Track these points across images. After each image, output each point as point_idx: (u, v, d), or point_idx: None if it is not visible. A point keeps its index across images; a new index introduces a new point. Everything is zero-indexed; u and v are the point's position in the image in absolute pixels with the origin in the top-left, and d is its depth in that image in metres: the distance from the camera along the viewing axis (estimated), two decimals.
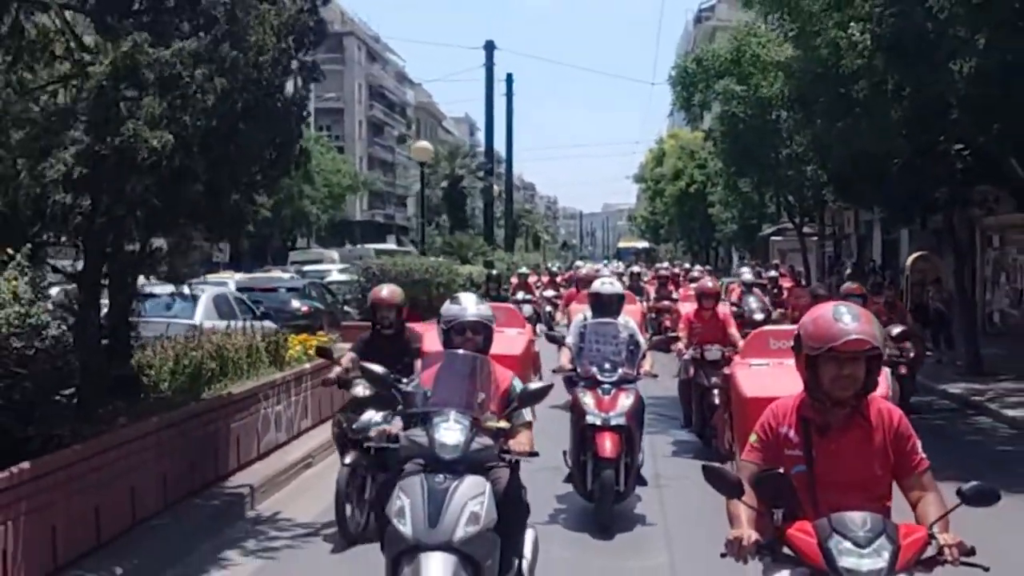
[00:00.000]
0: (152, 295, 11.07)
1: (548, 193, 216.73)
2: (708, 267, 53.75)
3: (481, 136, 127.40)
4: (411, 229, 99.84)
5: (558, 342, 11.92)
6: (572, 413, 10.78)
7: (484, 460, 6.47)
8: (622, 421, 10.41)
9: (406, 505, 6.10)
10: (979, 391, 19.07)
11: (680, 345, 14.15)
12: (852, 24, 16.70)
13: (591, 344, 11.03)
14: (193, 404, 10.76)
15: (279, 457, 12.55)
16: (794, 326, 5.61)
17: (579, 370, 10.83)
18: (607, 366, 10.72)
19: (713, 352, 13.93)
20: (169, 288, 11.07)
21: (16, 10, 9.97)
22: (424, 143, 34.92)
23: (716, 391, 13.37)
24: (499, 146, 49.39)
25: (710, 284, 15.55)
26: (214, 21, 8.85)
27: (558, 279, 34.79)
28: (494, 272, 31.17)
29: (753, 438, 4.88)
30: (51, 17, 10.37)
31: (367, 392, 9.42)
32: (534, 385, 7.44)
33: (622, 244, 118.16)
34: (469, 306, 7.35)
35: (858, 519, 4.38)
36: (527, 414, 6.92)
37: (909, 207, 24.46)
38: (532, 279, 31.70)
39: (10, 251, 7.47)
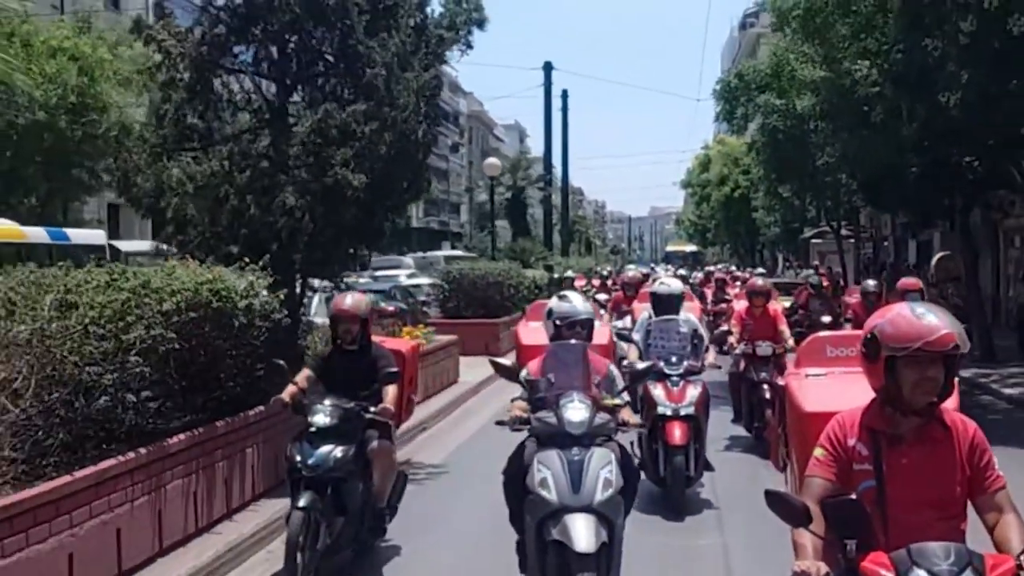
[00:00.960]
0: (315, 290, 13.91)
1: (596, 197, 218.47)
2: (762, 270, 55.82)
3: (530, 143, 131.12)
4: (464, 235, 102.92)
5: (627, 340, 12.75)
6: (643, 404, 11.38)
7: (604, 433, 7.29)
8: (691, 411, 11.14)
9: (548, 476, 6.91)
10: (987, 375, 21.47)
11: (732, 340, 14.54)
12: (859, 61, 19.64)
13: (656, 340, 11.82)
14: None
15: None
16: (852, 331, 6.45)
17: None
18: (673, 360, 11.40)
19: (764, 348, 14.26)
20: (327, 284, 14.10)
21: (208, 73, 13.24)
22: (494, 160, 38.55)
23: (766, 386, 13.86)
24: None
25: (760, 282, 15.95)
26: (374, 89, 12.00)
27: (609, 283, 36.23)
28: (555, 276, 33.97)
29: (819, 452, 4.53)
30: (237, 79, 13.66)
31: (328, 421, 8.37)
32: (640, 365, 8.85)
33: (670, 248, 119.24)
34: (579, 305, 8.35)
35: (940, 550, 3.95)
36: (625, 394, 7.93)
37: (928, 212, 27.29)
38: (579, 283, 33.28)
39: (246, 259, 10.59)
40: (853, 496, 4.33)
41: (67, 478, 7.29)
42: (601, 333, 12.93)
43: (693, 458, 11.14)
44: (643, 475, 10.87)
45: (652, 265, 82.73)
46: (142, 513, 8.25)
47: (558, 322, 8.18)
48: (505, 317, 27.65)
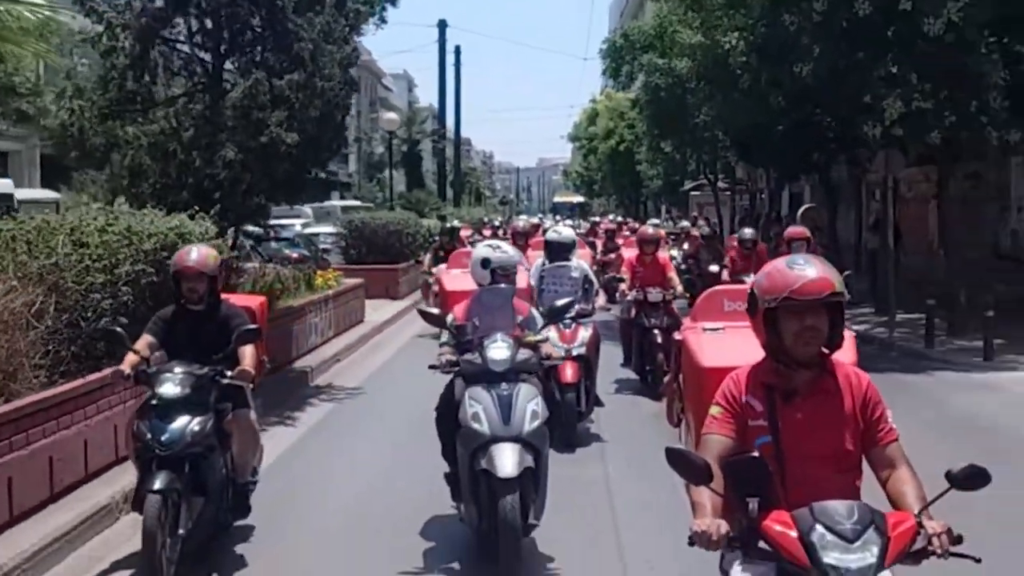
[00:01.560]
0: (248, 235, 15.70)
1: (483, 148, 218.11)
2: (656, 221, 56.92)
3: (418, 92, 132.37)
4: (353, 185, 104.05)
5: None
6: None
7: (528, 369, 7.90)
8: (583, 351, 11.85)
9: (480, 410, 7.48)
10: None
11: (623, 287, 15.09)
12: (730, 33, 21.92)
13: (549, 285, 12.52)
14: (274, 311, 15.70)
15: (319, 353, 17.62)
16: (749, 285, 6.12)
17: (541, 308, 11.19)
18: None
19: (654, 294, 14.74)
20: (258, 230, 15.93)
21: (148, 43, 14.90)
22: (392, 114, 40.44)
23: (657, 331, 14.44)
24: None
25: (650, 231, 16.58)
26: (302, 61, 13.83)
27: (500, 233, 36.33)
28: (447, 226, 35.83)
29: (715, 410, 4.48)
30: (173, 47, 15.35)
31: (178, 390, 7.50)
32: (560, 302, 9.32)
33: (558, 199, 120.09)
34: (515, 254, 9.03)
35: (843, 509, 3.96)
36: (545, 331, 8.54)
37: (792, 167, 29.91)
38: (464, 233, 33.58)
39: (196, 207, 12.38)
40: (755, 453, 4.23)
41: (81, 381, 9.28)
42: (521, 277, 13.26)
43: (584, 395, 11.88)
44: None
45: (540, 216, 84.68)
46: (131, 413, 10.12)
47: (499, 271, 8.67)
48: (404, 264, 29.55)
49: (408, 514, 8.99)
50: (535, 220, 42.13)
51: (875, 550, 3.88)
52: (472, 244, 31.22)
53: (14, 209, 25.90)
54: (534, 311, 8.87)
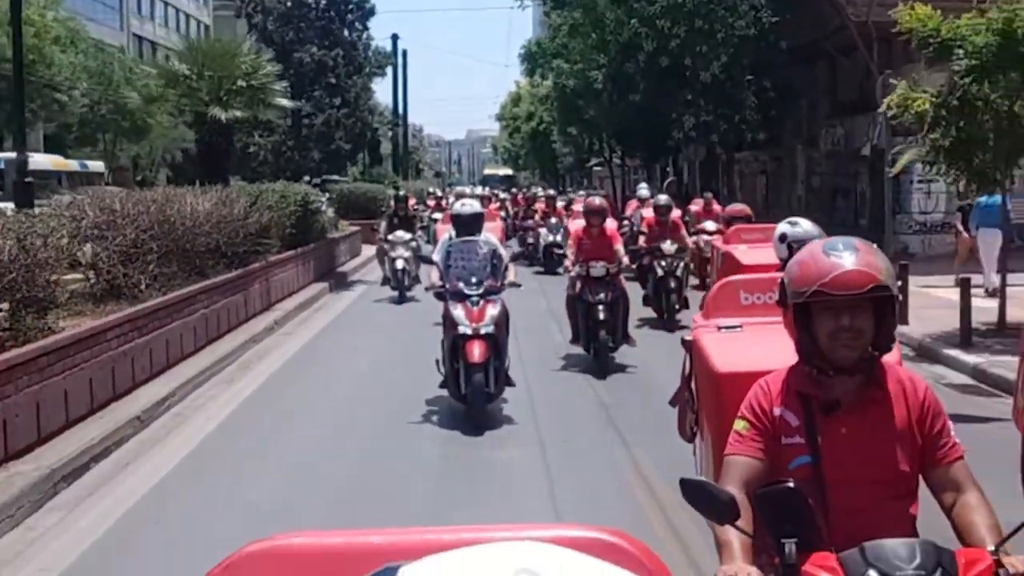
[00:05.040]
0: None
1: (414, 121, 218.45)
2: (583, 192, 59.13)
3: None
4: None
5: (427, 261, 12.63)
6: (444, 324, 11.60)
7: None
8: (491, 330, 11.15)
9: None
10: None
11: (567, 263, 14.48)
12: (593, 71, 34.50)
13: (457, 261, 11.67)
14: (322, 241, 27.39)
15: (345, 267, 29.58)
16: (769, 274, 5.97)
17: (447, 286, 11.38)
18: (473, 280, 11.37)
19: (598, 269, 13.99)
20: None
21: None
22: None
23: (601, 307, 13.84)
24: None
25: (597, 201, 15.73)
26: (350, 103, 25.98)
27: (443, 203, 40.50)
28: (399, 194, 46.99)
29: (740, 425, 3.69)
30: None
31: None
32: None
33: (487, 171, 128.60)
34: (812, 229, 8.08)
35: (902, 549, 3.06)
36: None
37: (652, 155, 42.62)
38: (411, 202, 34.08)
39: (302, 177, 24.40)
40: (791, 483, 3.25)
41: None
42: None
43: (492, 375, 11.31)
44: (447, 392, 11.52)
45: (469, 187, 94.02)
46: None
47: (794, 245, 7.88)
48: (375, 220, 40.90)
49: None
50: (480, 191, 50.95)
51: None
52: (417, 212, 34.11)
53: (107, 182, 37.05)
54: None
